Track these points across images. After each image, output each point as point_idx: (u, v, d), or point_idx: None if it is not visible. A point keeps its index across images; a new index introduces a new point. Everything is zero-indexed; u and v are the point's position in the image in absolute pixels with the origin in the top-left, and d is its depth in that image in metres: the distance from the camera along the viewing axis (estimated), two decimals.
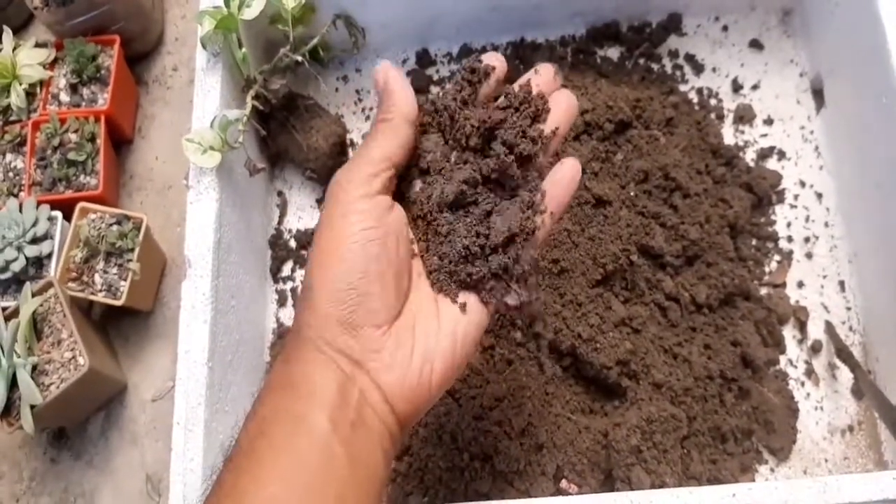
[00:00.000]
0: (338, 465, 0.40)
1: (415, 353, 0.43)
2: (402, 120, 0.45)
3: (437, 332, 0.44)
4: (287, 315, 0.78)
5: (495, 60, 0.49)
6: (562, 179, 0.47)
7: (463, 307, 0.45)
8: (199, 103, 0.71)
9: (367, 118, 0.85)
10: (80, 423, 0.77)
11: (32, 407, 0.67)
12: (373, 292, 0.42)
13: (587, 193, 0.70)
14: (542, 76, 0.49)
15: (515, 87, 0.48)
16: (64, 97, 0.85)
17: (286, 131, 0.79)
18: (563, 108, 0.49)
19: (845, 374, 0.70)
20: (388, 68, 0.46)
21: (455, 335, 0.44)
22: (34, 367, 0.69)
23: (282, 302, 0.78)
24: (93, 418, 0.77)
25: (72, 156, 0.80)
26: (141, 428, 0.76)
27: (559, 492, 0.65)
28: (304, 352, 0.42)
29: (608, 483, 0.65)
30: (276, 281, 0.79)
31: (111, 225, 0.76)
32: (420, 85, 0.85)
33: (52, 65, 0.86)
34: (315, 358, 0.42)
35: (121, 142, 0.88)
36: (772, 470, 0.68)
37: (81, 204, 0.77)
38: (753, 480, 0.67)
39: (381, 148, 0.44)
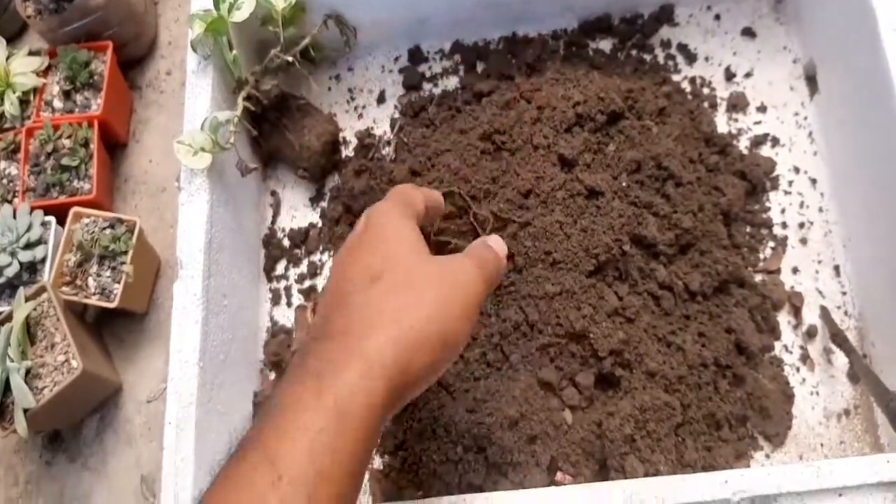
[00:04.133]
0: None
1: None
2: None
3: None
4: (281, 313, 0.78)
5: None
6: None
7: None
8: (189, 106, 0.72)
9: (360, 116, 0.85)
10: (74, 426, 0.77)
11: (26, 411, 0.67)
12: None
13: (579, 185, 0.70)
14: None
15: None
16: (57, 103, 0.85)
17: (278, 131, 0.79)
18: None
19: (841, 359, 0.70)
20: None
21: None
22: (28, 371, 0.69)
23: (275, 300, 0.78)
24: (87, 420, 0.77)
25: (65, 161, 0.81)
26: (136, 429, 0.76)
27: (553, 483, 0.65)
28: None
29: (602, 473, 0.65)
30: (269, 280, 0.79)
31: (104, 229, 0.77)
32: (412, 82, 0.85)
33: (46, 72, 0.86)
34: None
35: (115, 146, 0.88)
36: (767, 456, 0.67)
37: (75, 208, 0.77)
38: (748, 467, 0.66)
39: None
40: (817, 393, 0.69)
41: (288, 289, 0.79)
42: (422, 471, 0.66)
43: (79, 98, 0.85)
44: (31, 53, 0.87)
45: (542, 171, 0.70)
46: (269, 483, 0.39)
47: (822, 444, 0.67)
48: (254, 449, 0.41)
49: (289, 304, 0.78)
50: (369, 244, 0.49)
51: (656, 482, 0.55)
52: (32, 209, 0.78)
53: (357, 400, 0.42)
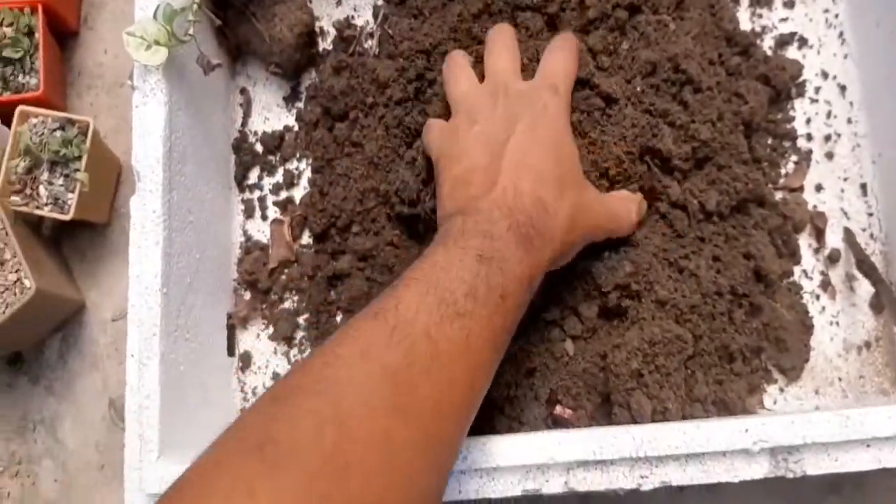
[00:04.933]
0: None
1: None
2: None
3: None
4: (255, 227, 0.71)
5: None
6: None
7: None
8: None
9: (339, 3, 0.75)
10: (36, 346, 0.71)
11: None
12: None
13: (592, 93, 0.62)
14: None
15: None
16: None
17: (246, 20, 0.70)
18: None
19: (864, 287, 0.64)
20: None
21: None
22: None
23: (249, 213, 0.71)
24: (49, 341, 0.71)
25: (7, 53, 0.71)
26: (102, 350, 0.71)
27: (552, 417, 0.60)
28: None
29: (605, 407, 0.60)
30: (241, 190, 0.72)
31: (54, 130, 0.68)
32: None
33: None
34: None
35: (64, 34, 0.79)
36: (781, 390, 0.63)
37: (21, 107, 0.69)
38: (762, 402, 0.62)
39: None
40: (837, 323, 0.64)
41: (262, 199, 0.71)
42: None
43: None
44: None
45: None
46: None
47: (839, 378, 0.63)
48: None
49: (263, 218, 0.71)
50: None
51: (669, 429, 0.50)
52: None
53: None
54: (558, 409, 0.60)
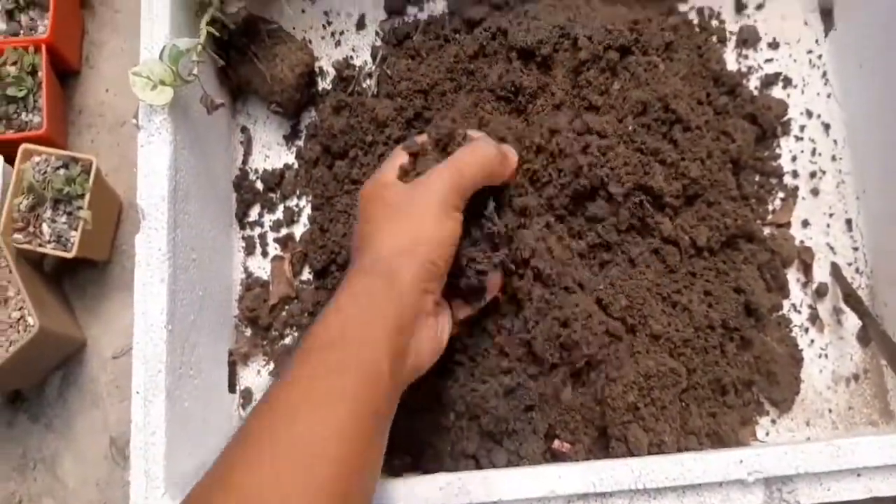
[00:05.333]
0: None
1: None
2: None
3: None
4: (255, 264, 0.72)
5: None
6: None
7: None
8: (146, 30, 0.64)
9: (338, 44, 0.77)
10: (36, 384, 0.71)
11: None
12: (444, 275, 0.55)
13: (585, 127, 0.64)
14: None
15: None
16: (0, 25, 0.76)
17: (248, 60, 0.72)
18: None
19: (851, 320, 0.66)
20: None
21: (436, 332, 0.54)
22: None
23: (249, 250, 0.72)
24: (50, 378, 0.71)
25: (11, 91, 0.72)
26: (102, 388, 0.71)
27: (551, 451, 0.61)
28: (382, 286, 0.51)
29: (602, 440, 0.62)
30: (242, 227, 0.73)
31: (57, 169, 0.69)
32: (395, 6, 0.77)
33: None
34: (389, 297, 0.51)
35: (66, 73, 0.80)
36: (773, 422, 0.65)
37: (24, 146, 0.70)
38: (754, 434, 0.64)
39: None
40: (826, 356, 0.66)
41: (263, 236, 0.73)
42: (412, 436, 0.62)
43: (23, 19, 0.76)
44: None
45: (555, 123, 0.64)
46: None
47: (829, 410, 0.64)
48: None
49: (264, 254, 0.72)
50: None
51: (666, 461, 0.51)
52: None
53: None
54: (556, 444, 0.61)
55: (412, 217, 0.53)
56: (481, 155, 0.57)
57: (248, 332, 0.70)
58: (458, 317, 0.59)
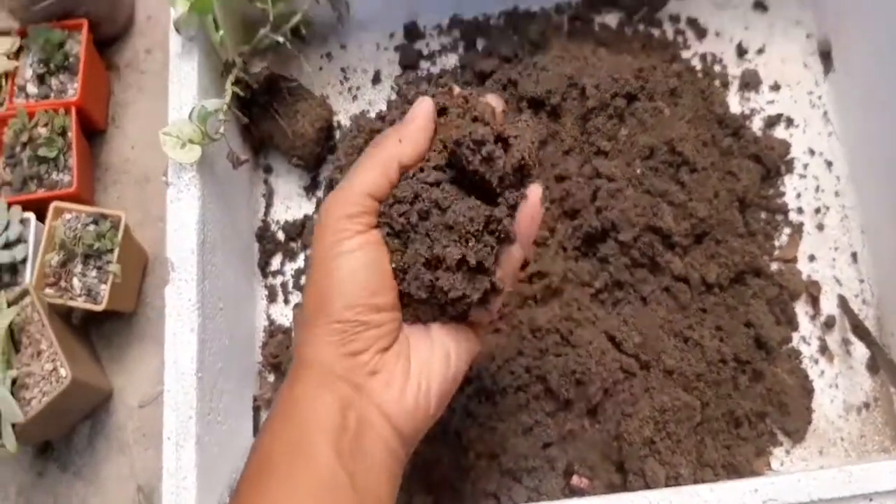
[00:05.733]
0: (342, 493, 0.39)
1: (411, 372, 0.43)
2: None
3: (430, 355, 0.44)
4: (278, 311, 0.74)
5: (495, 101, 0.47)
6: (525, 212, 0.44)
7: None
8: (174, 92, 0.67)
9: (354, 98, 0.81)
10: (65, 434, 0.73)
11: (13, 425, 0.64)
12: (370, 321, 0.42)
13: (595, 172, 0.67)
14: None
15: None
16: (31, 89, 0.80)
17: (269, 117, 0.75)
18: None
19: (860, 350, 0.68)
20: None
21: (448, 358, 0.44)
22: (14, 382, 0.65)
23: (272, 298, 0.75)
24: (78, 427, 0.73)
25: (42, 152, 0.76)
26: (129, 436, 0.73)
27: (570, 487, 0.63)
28: (304, 377, 0.42)
29: (620, 475, 0.63)
30: (264, 276, 0.76)
31: (87, 225, 0.72)
32: (409, 61, 0.80)
33: (17, 54, 0.81)
34: (316, 383, 0.41)
35: (93, 132, 0.83)
36: (787, 452, 0.66)
37: (55, 203, 0.73)
38: (769, 464, 0.65)
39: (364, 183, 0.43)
40: (836, 386, 0.67)
41: (284, 285, 0.75)
42: (432, 476, 0.64)
43: (54, 82, 0.80)
44: (0, 33, 0.81)
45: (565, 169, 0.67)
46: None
47: (841, 439, 0.66)
48: None
49: (286, 302, 0.74)
50: None
51: (683, 493, 0.52)
52: (10, 205, 0.73)
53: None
54: (575, 480, 0.63)
55: (312, 265, 0.43)
56: (366, 155, 0.44)
57: (272, 377, 0.72)
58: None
